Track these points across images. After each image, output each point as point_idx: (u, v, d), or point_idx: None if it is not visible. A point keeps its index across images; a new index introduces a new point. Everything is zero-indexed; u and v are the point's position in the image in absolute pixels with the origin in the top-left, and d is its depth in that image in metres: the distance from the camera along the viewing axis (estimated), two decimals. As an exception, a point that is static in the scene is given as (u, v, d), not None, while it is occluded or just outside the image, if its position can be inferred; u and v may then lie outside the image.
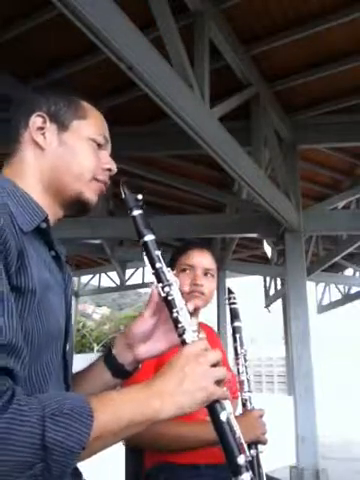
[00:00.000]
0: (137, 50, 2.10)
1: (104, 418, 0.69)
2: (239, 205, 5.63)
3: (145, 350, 0.97)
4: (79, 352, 24.81)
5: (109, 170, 0.98)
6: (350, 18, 3.05)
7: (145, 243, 0.93)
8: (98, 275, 10.18)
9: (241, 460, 0.78)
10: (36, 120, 0.92)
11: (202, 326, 1.69)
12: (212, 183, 5.52)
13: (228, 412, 0.81)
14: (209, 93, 2.74)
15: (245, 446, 0.82)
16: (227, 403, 0.82)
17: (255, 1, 2.97)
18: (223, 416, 0.80)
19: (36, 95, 0.96)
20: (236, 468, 0.78)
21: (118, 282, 9.42)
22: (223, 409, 0.81)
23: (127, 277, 9.17)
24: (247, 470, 0.79)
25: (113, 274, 9.44)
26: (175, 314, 0.89)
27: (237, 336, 1.50)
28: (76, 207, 0.95)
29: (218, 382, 0.81)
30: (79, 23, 1.83)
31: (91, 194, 0.94)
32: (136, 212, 0.94)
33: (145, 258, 0.94)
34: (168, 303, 0.90)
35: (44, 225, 0.86)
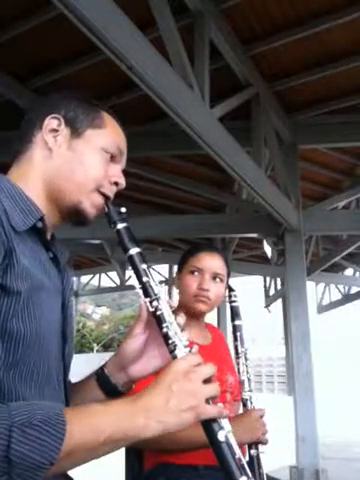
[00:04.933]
0: (137, 50, 2.10)
1: (79, 432, 0.65)
2: (239, 205, 5.62)
3: (139, 369, 0.93)
4: (79, 352, 24.80)
5: (116, 184, 0.94)
6: (350, 18, 3.05)
7: (130, 257, 0.90)
8: (98, 275, 10.18)
9: None
10: (51, 122, 0.90)
11: (209, 328, 1.68)
12: (212, 183, 5.52)
13: (227, 431, 0.76)
14: (209, 93, 2.74)
15: (247, 469, 0.77)
16: (225, 422, 0.77)
17: (255, 1, 2.97)
18: (221, 435, 0.76)
19: (57, 98, 0.95)
20: None
21: (118, 282, 9.43)
22: (221, 428, 0.76)
23: (127, 277, 9.17)
24: None
25: (113, 274, 9.45)
26: (165, 329, 0.85)
27: (238, 335, 1.49)
28: (72, 216, 0.92)
29: (211, 399, 0.76)
30: (79, 23, 1.83)
31: (90, 206, 0.90)
32: (120, 225, 0.91)
33: (131, 272, 0.90)
34: (157, 318, 0.86)
35: (40, 224, 0.84)
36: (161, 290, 0.89)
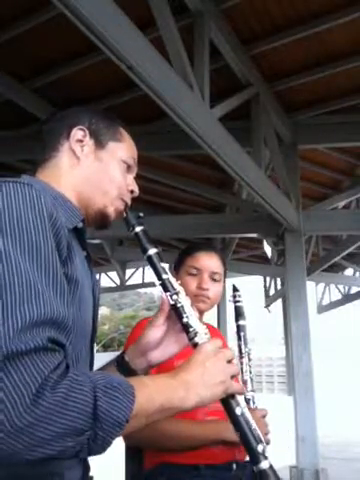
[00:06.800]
0: (137, 50, 2.10)
1: (141, 398, 0.73)
2: (239, 205, 5.62)
3: (159, 355, 1.02)
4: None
5: (132, 192, 1.05)
6: (350, 18, 3.05)
7: (149, 257, 0.99)
8: (98, 275, 10.17)
9: (259, 449, 0.84)
10: (77, 133, 0.99)
11: (209, 328, 1.68)
12: (212, 183, 5.52)
13: (242, 406, 0.87)
14: (209, 93, 2.74)
15: (261, 436, 0.87)
16: (241, 398, 0.88)
17: (255, 1, 2.97)
18: (238, 410, 0.86)
19: (79, 111, 1.03)
20: (255, 457, 0.85)
21: (118, 282, 9.41)
22: (237, 404, 0.87)
23: (127, 277, 9.16)
24: (265, 458, 0.85)
25: (113, 274, 9.43)
26: (185, 319, 0.95)
27: (241, 334, 1.49)
28: (98, 221, 1.01)
29: (233, 377, 0.87)
30: (79, 23, 1.83)
31: (113, 211, 1.00)
32: (138, 228, 1.01)
33: (151, 271, 0.99)
34: (177, 310, 0.96)
35: (81, 225, 0.93)
36: (179, 286, 0.99)
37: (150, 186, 5.43)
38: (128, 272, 9.12)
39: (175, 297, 0.97)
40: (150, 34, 2.64)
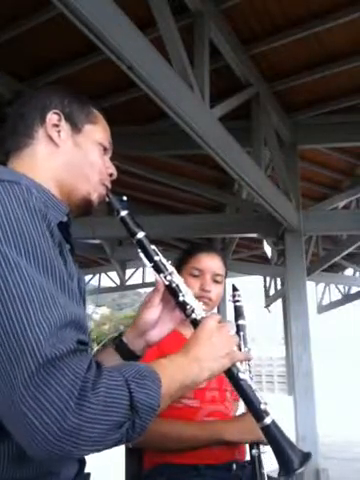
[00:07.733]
0: (137, 50, 2.10)
1: (165, 381, 0.76)
2: (239, 205, 5.62)
3: (156, 333, 1.04)
4: (79, 352, 24.62)
5: (111, 175, 1.02)
6: (350, 18, 3.04)
7: (139, 240, 0.98)
8: (98, 275, 10.17)
9: (262, 407, 0.91)
10: (52, 117, 0.93)
11: None
12: (212, 183, 5.52)
13: (242, 372, 0.93)
14: (209, 93, 2.74)
15: (261, 398, 0.93)
16: (241, 367, 0.93)
17: (255, 1, 2.97)
18: (240, 375, 0.92)
19: (49, 93, 0.97)
20: (259, 414, 0.91)
21: (118, 282, 9.41)
22: (238, 370, 0.92)
23: (127, 277, 9.16)
24: (268, 415, 0.91)
25: (113, 274, 9.43)
26: (181, 297, 0.97)
27: (241, 334, 1.49)
28: (81, 207, 0.97)
29: (236, 347, 0.93)
30: (79, 23, 1.82)
31: (96, 196, 0.97)
32: (123, 212, 0.99)
33: (141, 254, 0.99)
34: (172, 289, 0.98)
35: (65, 219, 0.90)
36: (171, 267, 1.00)
37: (150, 186, 5.43)
38: (128, 272, 9.12)
39: (169, 277, 0.98)
40: (150, 34, 2.64)
